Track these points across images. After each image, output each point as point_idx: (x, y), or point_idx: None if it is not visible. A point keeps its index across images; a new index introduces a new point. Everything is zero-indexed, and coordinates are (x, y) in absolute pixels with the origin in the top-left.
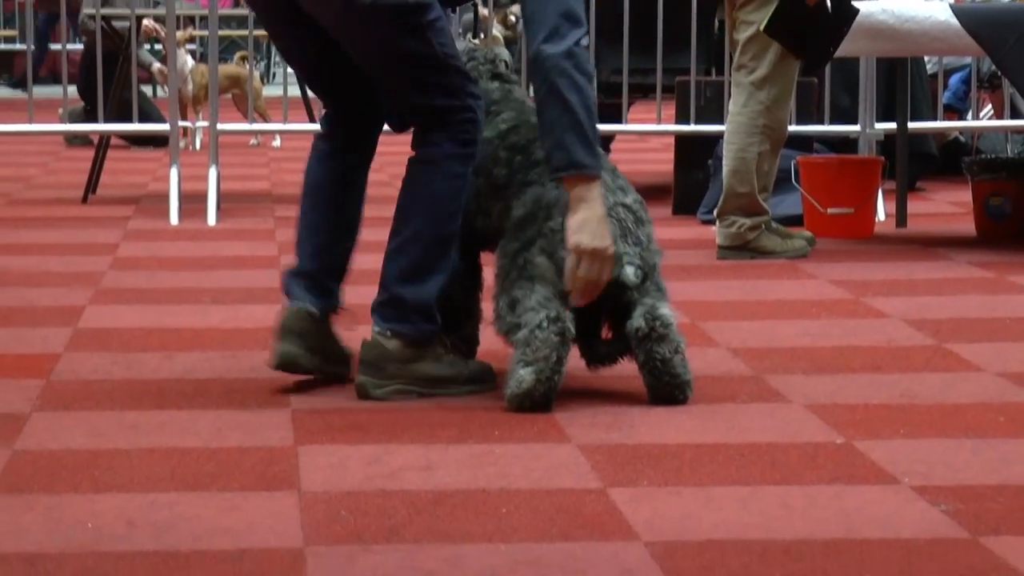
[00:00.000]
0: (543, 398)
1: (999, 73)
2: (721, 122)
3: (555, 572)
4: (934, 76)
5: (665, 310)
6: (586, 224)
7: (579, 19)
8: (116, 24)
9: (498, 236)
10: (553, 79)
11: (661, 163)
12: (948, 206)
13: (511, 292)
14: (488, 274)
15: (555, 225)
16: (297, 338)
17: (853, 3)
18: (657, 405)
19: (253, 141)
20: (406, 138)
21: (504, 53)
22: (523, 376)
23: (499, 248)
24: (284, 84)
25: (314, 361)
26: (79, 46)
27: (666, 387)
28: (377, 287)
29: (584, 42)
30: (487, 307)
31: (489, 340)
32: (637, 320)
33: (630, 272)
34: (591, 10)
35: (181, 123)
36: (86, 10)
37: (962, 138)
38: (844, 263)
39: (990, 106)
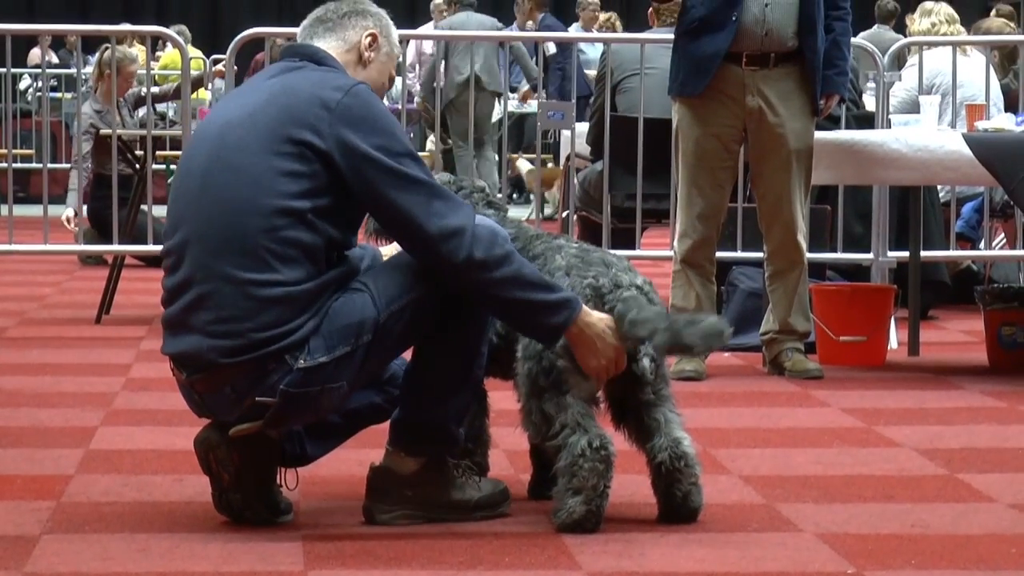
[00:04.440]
0: (593, 525)
1: (1012, 203)
2: (735, 248)
3: None
4: (947, 205)
5: (687, 444)
6: (598, 346)
7: (449, 195)
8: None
9: (505, 356)
10: (480, 291)
11: None
12: (961, 335)
13: (542, 403)
14: (494, 398)
15: None
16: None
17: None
18: (668, 524)
19: None
20: None
21: (482, 183)
22: (573, 507)
23: (520, 349)
24: None
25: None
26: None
27: (680, 515)
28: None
29: (462, 220)
30: (495, 431)
31: (499, 466)
32: (661, 454)
33: (646, 364)
34: (606, 135)
35: None
36: (104, 130)
37: (975, 267)
38: (856, 391)
39: (1003, 235)
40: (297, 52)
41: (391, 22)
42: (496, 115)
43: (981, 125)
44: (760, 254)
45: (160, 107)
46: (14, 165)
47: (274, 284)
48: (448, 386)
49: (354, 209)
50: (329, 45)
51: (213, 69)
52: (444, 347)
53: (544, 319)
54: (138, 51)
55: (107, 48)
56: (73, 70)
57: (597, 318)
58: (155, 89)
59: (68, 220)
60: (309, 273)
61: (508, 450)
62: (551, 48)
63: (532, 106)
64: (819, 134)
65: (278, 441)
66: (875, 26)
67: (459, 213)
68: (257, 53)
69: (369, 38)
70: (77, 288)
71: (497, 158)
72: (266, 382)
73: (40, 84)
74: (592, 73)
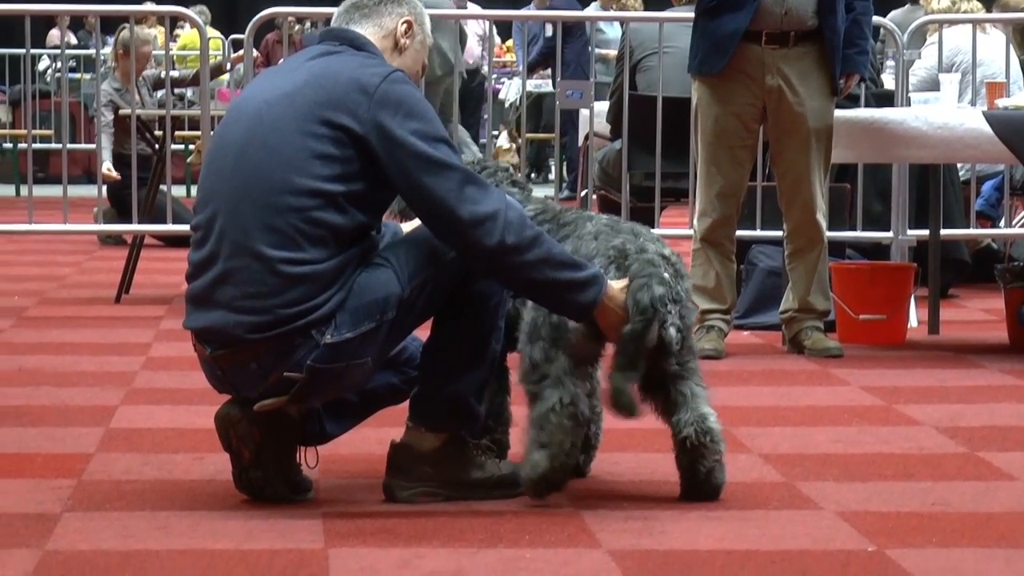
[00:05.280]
0: (559, 480)
1: None
2: (753, 227)
3: None
4: (967, 183)
5: (713, 420)
6: (619, 317)
7: (481, 181)
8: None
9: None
10: (512, 274)
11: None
12: (981, 313)
13: (533, 349)
14: (515, 377)
15: None
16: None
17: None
18: (688, 502)
19: None
20: None
21: (506, 163)
22: (538, 461)
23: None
24: None
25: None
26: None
27: (703, 491)
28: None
29: (494, 205)
30: (515, 410)
31: (520, 444)
32: (687, 429)
33: (672, 333)
34: (624, 115)
35: None
36: (123, 111)
37: (995, 245)
38: (876, 370)
39: (1023, 213)
40: (336, 36)
41: (424, 10)
42: (515, 94)
43: (1001, 103)
44: (780, 233)
45: (179, 89)
46: (33, 145)
47: (301, 262)
48: (467, 360)
49: (385, 195)
50: (366, 31)
51: (232, 56)
52: (462, 321)
53: (575, 297)
54: (157, 32)
55: (124, 28)
56: (92, 51)
57: (619, 289)
58: (175, 73)
59: (109, 170)
60: (333, 252)
61: None
62: (548, 30)
63: (551, 85)
64: (838, 112)
65: (298, 419)
66: (907, 5)
67: (491, 199)
68: (267, 33)
69: (405, 25)
70: (97, 268)
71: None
72: (292, 357)
73: (59, 65)
74: (608, 52)
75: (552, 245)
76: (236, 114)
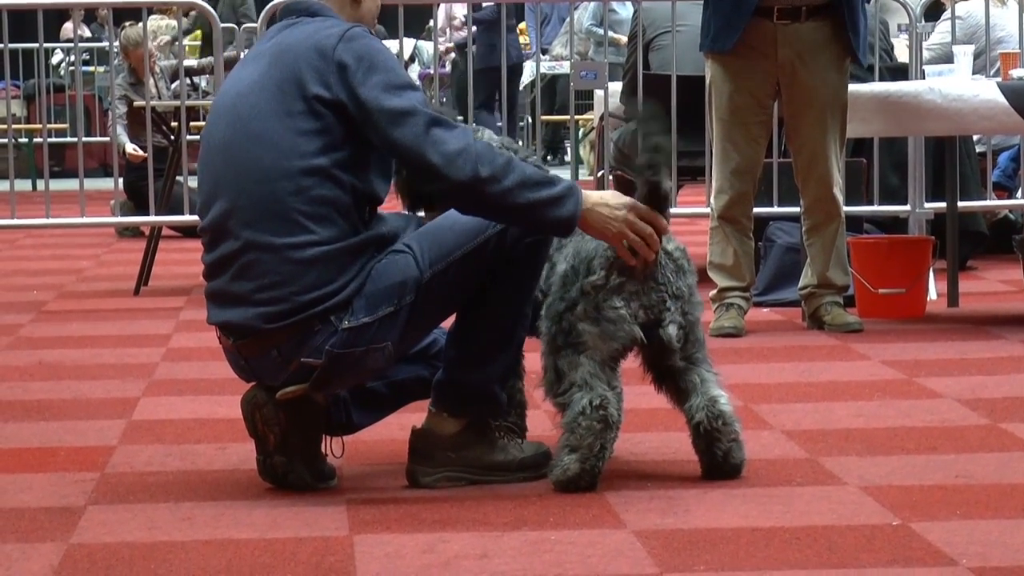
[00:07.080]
0: (587, 484)
1: None
2: (771, 204)
3: None
4: (983, 155)
5: (723, 402)
6: (605, 213)
7: (445, 120)
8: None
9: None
10: (495, 204)
11: None
12: (1000, 284)
13: (557, 360)
14: (532, 360)
15: (597, 280)
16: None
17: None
18: (711, 481)
19: None
20: None
21: (516, 144)
22: (568, 463)
23: (544, 308)
24: None
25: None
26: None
27: (723, 472)
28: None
29: (462, 141)
30: (536, 393)
31: (541, 426)
32: (699, 414)
33: (672, 331)
34: (639, 92)
35: None
36: (137, 103)
37: (1012, 216)
38: (896, 343)
39: None
40: (292, 10)
41: None
42: (528, 77)
43: (1016, 73)
44: (797, 209)
45: (196, 79)
46: (48, 139)
47: (310, 245)
48: (492, 348)
49: (375, 156)
50: None
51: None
52: (488, 309)
53: (557, 211)
54: (160, 26)
55: (124, 27)
56: (105, 44)
57: (591, 192)
58: (194, 63)
59: (135, 150)
60: (343, 230)
61: (550, 410)
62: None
63: (564, 67)
64: (853, 86)
65: (324, 406)
66: None
67: (457, 135)
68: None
69: None
70: (115, 260)
71: (531, 120)
72: (312, 343)
73: (72, 58)
74: (620, 38)
75: (524, 166)
76: (215, 114)
